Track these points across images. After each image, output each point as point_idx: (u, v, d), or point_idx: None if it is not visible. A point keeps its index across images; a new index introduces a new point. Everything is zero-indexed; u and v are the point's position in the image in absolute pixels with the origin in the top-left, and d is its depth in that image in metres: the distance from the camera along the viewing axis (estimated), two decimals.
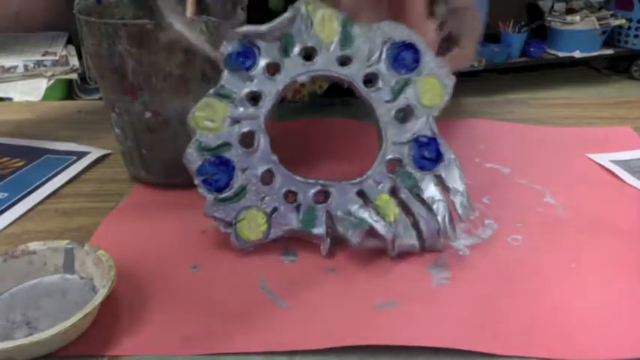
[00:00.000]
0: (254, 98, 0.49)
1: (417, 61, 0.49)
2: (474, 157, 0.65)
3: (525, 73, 3.27)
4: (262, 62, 0.49)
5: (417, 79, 0.49)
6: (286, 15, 0.48)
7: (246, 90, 0.49)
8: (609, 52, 3.16)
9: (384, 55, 0.49)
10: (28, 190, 0.58)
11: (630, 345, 0.38)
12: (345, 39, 0.49)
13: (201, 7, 0.59)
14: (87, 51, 0.55)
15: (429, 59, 0.49)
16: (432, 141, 0.49)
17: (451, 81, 0.50)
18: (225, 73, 0.48)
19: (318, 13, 0.48)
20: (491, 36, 3.04)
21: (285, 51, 0.49)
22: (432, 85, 0.49)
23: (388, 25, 0.49)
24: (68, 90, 1.94)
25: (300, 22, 0.48)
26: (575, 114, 0.78)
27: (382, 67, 0.49)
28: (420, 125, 0.49)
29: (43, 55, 1.93)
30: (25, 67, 1.88)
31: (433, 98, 0.49)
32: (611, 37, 3.17)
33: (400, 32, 0.49)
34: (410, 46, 0.49)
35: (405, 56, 0.49)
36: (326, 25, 0.48)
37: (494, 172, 0.62)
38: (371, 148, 0.52)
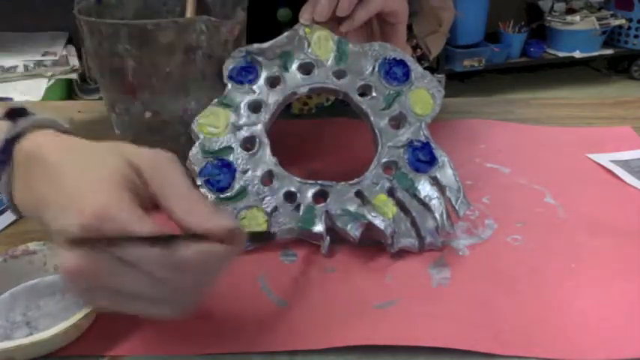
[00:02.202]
0: (255, 107, 0.51)
1: (407, 75, 0.53)
2: (474, 157, 0.65)
3: (525, 73, 3.26)
4: (263, 76, 0.52)
5: (407, 90, 0.52)
6: (285, 34, 0.53)
7: (248, 99, 0.51)
8: (609, 52, 3.15)
9: (376, 70, 0.53)
10: None
11: (630, 345, 0.38)
12: (340, 56, 0.53)
13: (202, 7, 0.59)
14: (87, 51, 0.55)
15: (418, 74, 0.53)
16: (426, 145, 0.50)
17: (440, 93, 0.53)
18: (229, 86, 0.52)
19: (315, 34, 0.53)
20: (491, 36, 3.04)
21: (285, 66, 0.53)
22: (421, 97, 0.52)
23: (379, 44, 0.54)
24: (68, 90, 1.94)
25: (299, 42, 0.53)
26: (575, 114, 0.78)
27: (375, 80, 0.52)
28: (413, 131, 0.51)
29: (43, 55, 1.93)
30: (25, 67, 1.88)
31: (424, 108, 0.52)
32: (611, 37, 3.16)
33: (390, 50, 0.53)
34: (400, 62, 0.53)
35: (396, 71, 0.53)
36: (322, 44, 0.53)
37: (494, 172, 0.62)
38: (369, 147, 0.52)
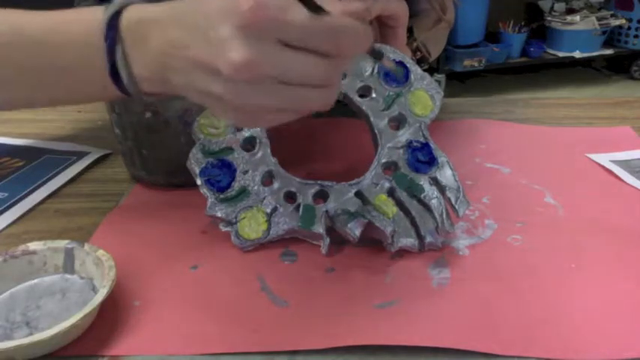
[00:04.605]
0: None
1: (406, 76, 0.52)
2: (474, 157, 0.65)
3: (525, 73, 3.27)
4: None
5: (407, 92, 0.52)
6: None
7: None
8: (609, 52, 3.15)
9: (376, 71, 0.52)
10: (28, 190, 0.58)
11: (630, 345, 0.38)
12: None
13: None
14: None
15: (417, 76, 0.53)
16: (425, 146, 0.50)
17: (439, 94, 0.53)
18: None
19: None
20: (491, 36, 3.04)
21: None
22: (421, 98, 0.52)
23: (379, 46, 0.53)
24: None
25: None
26: (575, 114, 0.78)
27: (375, 81, 0.52)
28: (413, 132, 0.51)
29: None
30: None
31: (424, 109, 0.52)
32: (611, 37, 3.17)
33: (390, 52, 0.53)
34: (400, 64, 0.53)
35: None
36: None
37: (495, 172, 0.62)
38: (368, 147, 0.52)
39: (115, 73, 0.40)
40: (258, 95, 0.34)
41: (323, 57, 0.34)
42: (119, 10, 0.39)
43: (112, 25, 0.39)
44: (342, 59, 0.36)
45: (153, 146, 0.56)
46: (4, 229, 0.52)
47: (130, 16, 0.39)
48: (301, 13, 0.33)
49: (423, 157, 0.50)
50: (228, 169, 0.49)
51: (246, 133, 0.50)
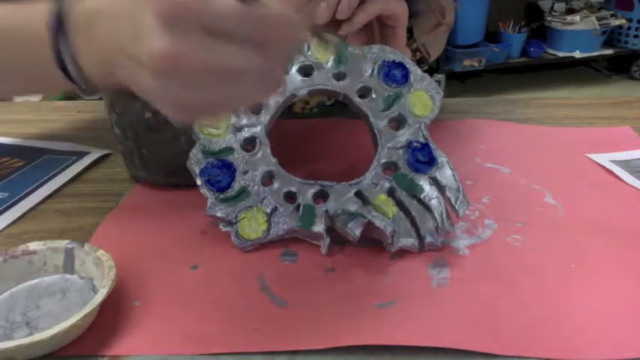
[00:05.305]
0: (256, 109, 0.51)
1: (406, 77, 0.53)
2: (474, 157, 0.65)
3: (525, 73, 3.27)
4: None
5: (407, 92, 0.52)
6: None
7: None
8: (609, 52, 3.16)
9: (375, 72, 0.53)
10: (28, 190, 0.58)
11: (630, 345, 0.38)
12: (340, 58, 0.53)
13: None
14: None
15: (417, 76, 0.53)
16: (425, 146, 0.50)
17: (439, 95, 0.53)
18: None
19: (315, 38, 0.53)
20: (491, 36, 3.04)
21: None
22: (421, 98, 0.52)
23: (378, 47, 0.53)
24: None
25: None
26: (575, 114, 0.78)
27: (374, 82, 0.53)
28: (412, 132, 0.51)
29: None
30: None
31: (423, 109, 0.52)
32: (611, 37, 3.17)
33: (389, 53, 0.53)
34: (399, 64, 0.53)
35: (395, 73, 0.53)
36: (322, 48, 0.53)
37: (495, 172, 0.62)
38: (369, 147, 0.52)
39: (64, 66, 0.40)
40: (190, 90, 0.32)
41: (255, 48, 0.32)
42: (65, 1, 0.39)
43: (58, 16, 0.39)
44: (276, 49, 0.33)
45: (153, 146, 0.56)
46: (4, 229, 0.52)
47: (75, 7, 0.39)
48: (227, 1, 0.30)
49: (422, 157, 0.50)
50: (228, 169, 0.49)
51: (246, 134, 0.50)
